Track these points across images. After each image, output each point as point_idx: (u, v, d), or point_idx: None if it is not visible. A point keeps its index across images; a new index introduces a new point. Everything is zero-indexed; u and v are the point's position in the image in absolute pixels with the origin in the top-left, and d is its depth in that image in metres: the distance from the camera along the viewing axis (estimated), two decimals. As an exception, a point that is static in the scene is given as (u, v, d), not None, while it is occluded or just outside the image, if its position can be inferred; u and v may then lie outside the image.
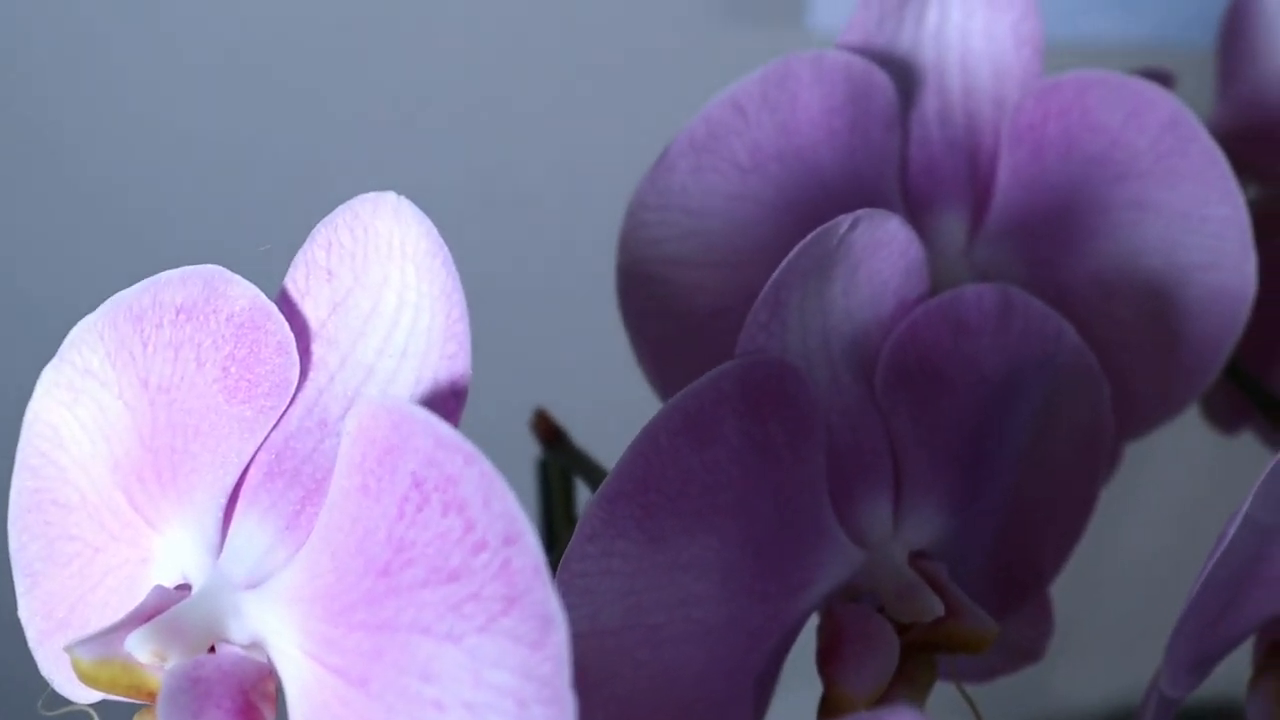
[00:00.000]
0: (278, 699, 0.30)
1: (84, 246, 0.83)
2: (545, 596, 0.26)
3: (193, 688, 0.29)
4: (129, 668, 0.30)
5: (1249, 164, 0.49)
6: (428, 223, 0.31)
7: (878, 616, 0.35)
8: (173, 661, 0.29)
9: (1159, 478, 0.84)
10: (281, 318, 0.32)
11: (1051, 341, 0.38)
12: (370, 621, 0.28)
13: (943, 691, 0.37)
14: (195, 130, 0.83)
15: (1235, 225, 0.41)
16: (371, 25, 0.83)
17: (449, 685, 0.26)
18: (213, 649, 0.30)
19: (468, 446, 0.27)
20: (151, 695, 0.30)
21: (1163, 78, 0.45)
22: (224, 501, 0.32)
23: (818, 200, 0.41)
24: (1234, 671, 0.38)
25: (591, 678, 0.33)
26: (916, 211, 0.42)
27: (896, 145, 0.42)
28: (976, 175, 0.43)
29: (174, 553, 0.32)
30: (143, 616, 0.30)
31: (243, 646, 0.30)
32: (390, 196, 0.31)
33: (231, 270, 0.32)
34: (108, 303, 0.33)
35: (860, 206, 0.35)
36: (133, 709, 0.31)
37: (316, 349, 0.32)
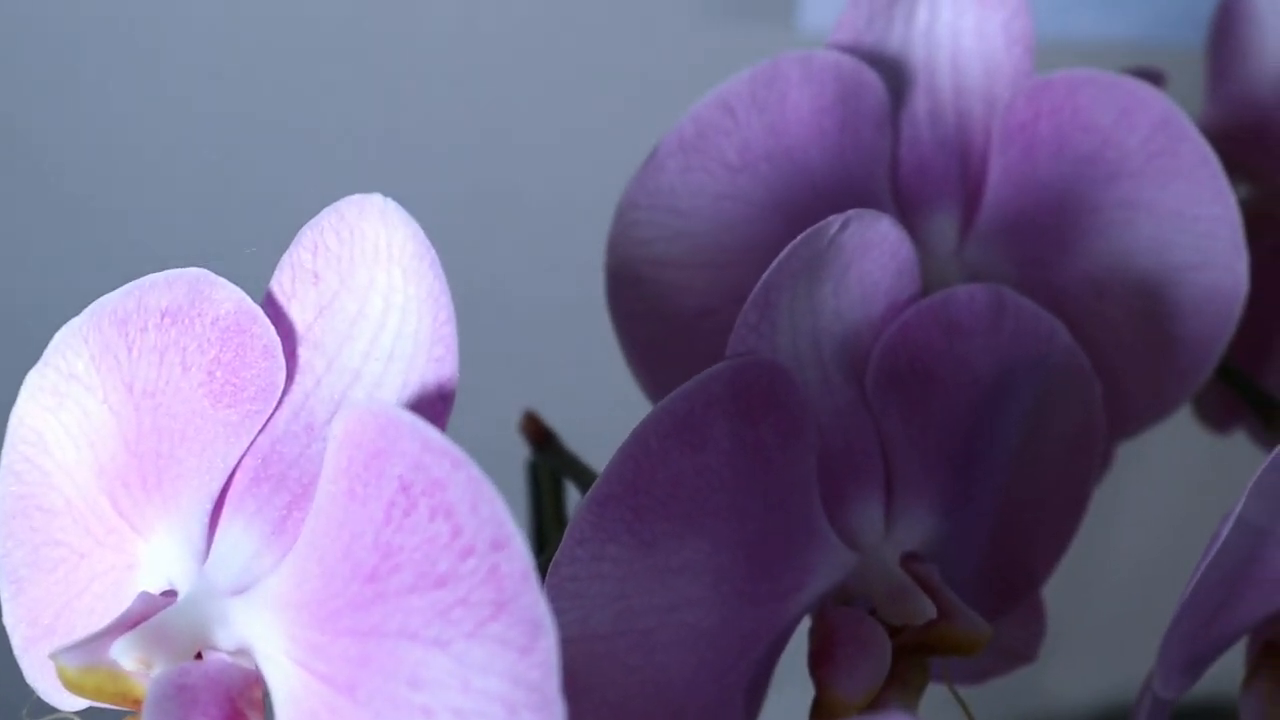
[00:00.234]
0: (265, 706, 0.30)
1: (68, 251, 0.83)
2: (534, 602, 0.26)
3: (179, 695, 0.29)
4: (115, 675, 0.29)
5: (1239, 163, 0.49)
6: (414, 225, 0.31)
7: (870, 619, 0.35)
8: (158, 669, 0.29)
9: (1150, 477, 0.84)
10: (267, 321, 0.32)
11: (1043, 342, 0.38)
12: (357, 627, 0.27)
13: (934, 691, 0.37)
14: (179, 133, 0.83)
15: (1227, 224, 0.41)
16: (357, 27, 0.83)
17: (437, 691, 0.26)
18: (199, 656, 0.30)
19: (455, 450, 0.27)
20: (137, 703, 0.29)
21: (1154, 77, 0.45)
22: (210, 507, 0.31)
23: (808, 200, 0.41)
24: (1225, 670, 0.38)
25: (582, 683, 0.33)
26: (907, 211, 0.42)
27: (887, 145, 0.42)
28: (967, 175, 0.42)
29: (159, 559, 0.32)
30: (128, 623, 0.30)
31: (229, 653, 0.30)
32: (376, 198, 0.31)
33: (217, 273, 0.32)
34: (92, 307, 0.33)
35: (850, 207, 0.35)
36: (119, 716, 0.30)
37: (303, 353, 0.32)
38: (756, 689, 0.35)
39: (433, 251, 0.31)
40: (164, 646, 0.29)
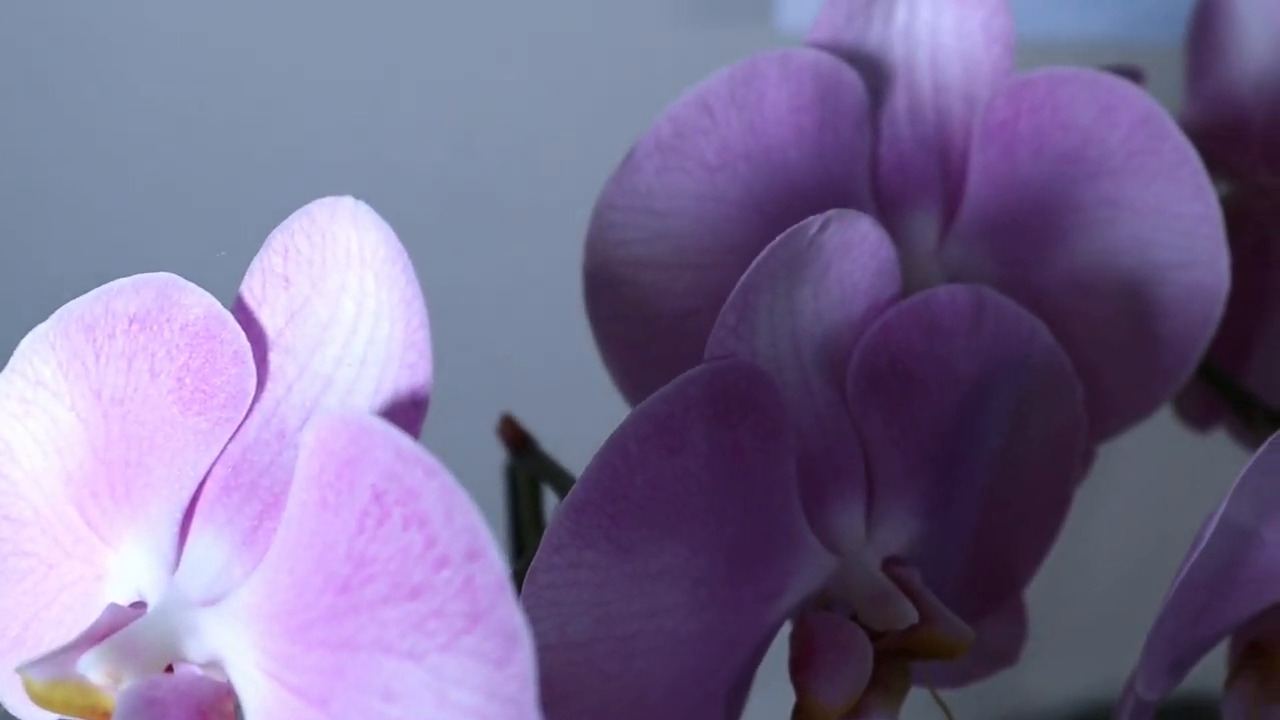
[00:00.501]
0: (237, 719, 0.29)
1: (33, 256, 0.82)
2: (509, 613, 0.25)
3: (149, 709, 0.28)
4: (83, 689, 0.29)
5: (1219, 161, 0.49)
6: (387, 228, 0.30)
7: (850, 624, 0.35)
8: (128, 682, 0.29)
9: (1129, 476, 0.84)
10: (237, 326, 0.31)
11: (1025, 342, 0.38)
12: (330, 639, 0.27)
13: (914, 694, 0.37)
14: (147, 137, 0.82)
15: (1208, 222, 0.41)
16: (331, 28, 0.83)
17: (411, 705, 0.26)
18: (170, 669, 0.30)
19: (429, 459, 0.26)
20: (106, 716, 0.29)
21: (1133, 75, 0.45)
22: (180, 516, 0.31)
23: (787, 200, 0.40)
24: (1204, 668, 0.38)
25: (560, 691, 0.32)
26: (887, 211, 0.42)
27: (866, 144, 0.41)
28: (947, 174, 0.42)
29: (129, 569, 0.31)
30: (96, 636, 0.29)
31: (200, 666, 0.30)
32: (348, 201, 0.31)
33: (186, 278, 0.32)
34: (59, 312, 0.33)
35: (830, 206, 0.35)
36: (88, 730, 0.30)
37: (274, 358, 0.31)
38: (737, 695, 0.35)
39: (406, 255, 0.30)
40: (133, 659, 0.29)
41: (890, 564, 0.36)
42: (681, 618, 0.33)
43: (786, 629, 0.36)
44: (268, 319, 0.32)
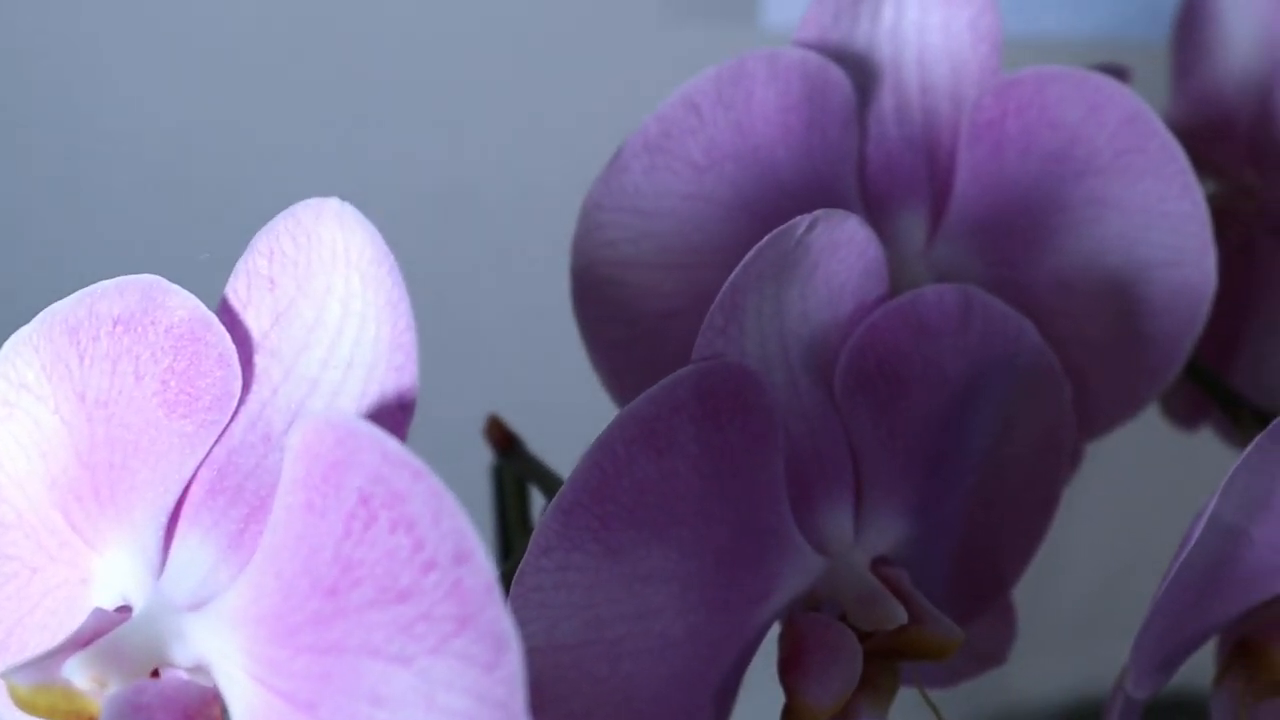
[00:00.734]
0: (224, 724, 0.29)
1: (15, 259, 0.82)
2: (498, 616, 0.25)
3: (134, 714, 0.28)
4: (68, 694, 0.29)
5: (1204, 159, 0.49)
6: (372, 229, 0.30)
7: (839, 625, 0.35)
8: (114, 687, 0.28)
9: (1116, 475, 0.84)
10: (222, 329, 0.31)
11: (1012, 341, 0.38)
12: (318, 643, 0.27)
13: (901, 694, 0.37)
14: (129, 136, 0.82)
15: (1195, 221, 0.41)
16: (314, 28, 0.82)
17: (400, 709, 0.26)
18: (156, 673, 0.29)
19: (416, 462, 0.26)
20: (92, 721, 0.29)
21: (1119, 73, 0.45)
22: (165, 520, 0.31)
23: (774, 199, 0.40)
24: (1191, 665, 0.38)
25: (548, 694, 0.32)
26: (875, 211, 0.42)
27: (854, 143, 0.41)
28: (935, 173, 0.42)
29: (114, 574, 0.31)
30: (81, 641, 0.29)
31: (187, 670, 0.29)
32: (333, 202, 0.31)
33: (170, 280, 0.32)
34: (42, 315, 0.32)
35: (817, 206, 0.35)
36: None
37: (259, 361, 0.31)
38: (725, 696, 0.35)
39: (391, 256, 0.30)
40: (119, 664, 0.29)
41: (879, 564, 0.36)
42: (670, 619, 0.33)
43: (775, 630, 0.36)
44: (253, 321, 0.32)
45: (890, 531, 0.37)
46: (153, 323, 0.31)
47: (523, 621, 0.31)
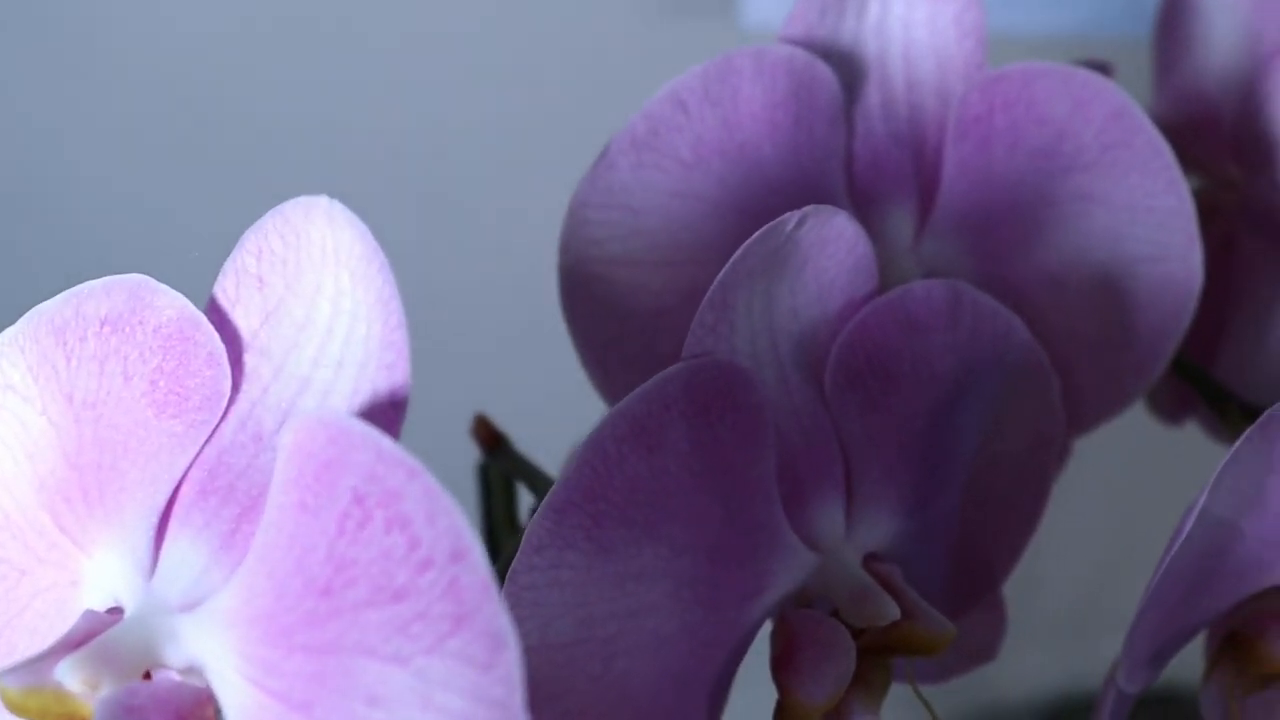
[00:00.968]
0: (217, 726, 0.29)
1: (1, 258, 0.81)
2: (495, 614, 0.25)
3: (127, 716, 0.28)
4: (60, 696, 0.28)
5: (1188, 155, 0.49)
6: (362, 227, 0.30)
7: (832, 621, 0.35)
8: (106, 689, 0.28)
9: (1103, 469, 0.84)
10: (211, 328, 0.31)
11: (1001, 337, 0.38)
12: (312, 644, 0.27)
13: (895, 689, 0.37)
14: (116, 136, 0.81)
15: (1181, 216, 0.41)
16: (302, 27, 0.82)
17: (396, 709, 0.26)
18: (148, 675, 0.29)
19: (410, 460, 0.26)
20: (85, 725, 0.28)
21: (1103, 69, 0.45)
22: (155, 521, 0.31)
23: (762, 196, 0.40)
24: (1184, 660, 0.38)
25: (542, 692, 0.32)
26: (862, 207, 0.42)
27: (841, 140, 0.41)
28: (922, 169, 0.42)
29: (104, 575, 0.31)
30: (72, 643, 0.29)
31: (179, 672, 0.29)
32: (322, 200, 0.30)
33: (158, 279, 0.31)
34: (28, 315, 0.32)
35: (805, 202, 0.35)
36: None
37: (249, 360, 0.31)
38: (719, 693, 0.35)
39: (381, 254, 0.30)
40: (111, 666, 0.28)
41: (870, 560, 0.36)
42: (663, 617, 0.33)
43: (768, 627, 0.36)
44: (242, 320, 0.31)
45: (881, 527, 0.37)
46: (140, 322, 0.31)
47: (516, 620, 0.31)
